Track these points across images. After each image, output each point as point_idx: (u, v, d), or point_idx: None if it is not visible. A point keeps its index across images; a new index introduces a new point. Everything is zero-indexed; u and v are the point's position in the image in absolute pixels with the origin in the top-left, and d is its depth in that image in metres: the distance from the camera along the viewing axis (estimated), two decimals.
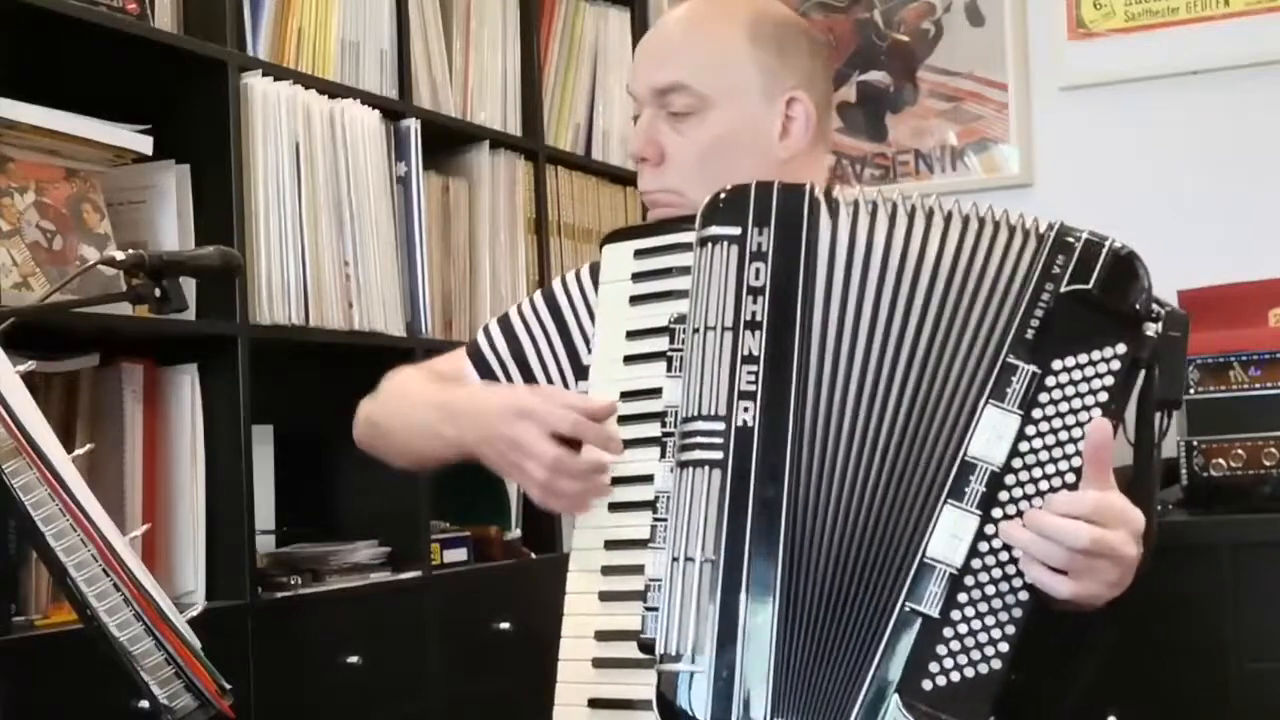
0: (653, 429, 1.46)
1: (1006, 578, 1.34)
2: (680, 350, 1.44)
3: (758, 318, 1.41)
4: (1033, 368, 1.37)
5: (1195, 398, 2.81)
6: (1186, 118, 3.30)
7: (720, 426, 1.39)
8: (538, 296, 1.79)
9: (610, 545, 1.48)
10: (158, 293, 1.68)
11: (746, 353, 1.40)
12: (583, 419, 1.49)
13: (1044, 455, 1.35)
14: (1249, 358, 2.79)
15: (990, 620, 1.33)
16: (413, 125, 2.83)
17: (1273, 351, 2.79)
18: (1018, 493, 1.35)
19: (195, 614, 1.51)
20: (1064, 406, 1.36)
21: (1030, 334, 1.37)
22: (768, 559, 1.36)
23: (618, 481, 1.49)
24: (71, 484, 1.44)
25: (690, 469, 1.39)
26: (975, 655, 1.33)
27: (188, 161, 2.41)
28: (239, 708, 1.49)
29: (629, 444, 1.49)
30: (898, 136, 3.58)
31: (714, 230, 1.44)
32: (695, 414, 1.40)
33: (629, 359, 1.51)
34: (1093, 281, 1.38)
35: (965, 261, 1.42)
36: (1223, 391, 2.80)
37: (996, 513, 1.34)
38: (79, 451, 1.57)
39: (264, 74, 2.51)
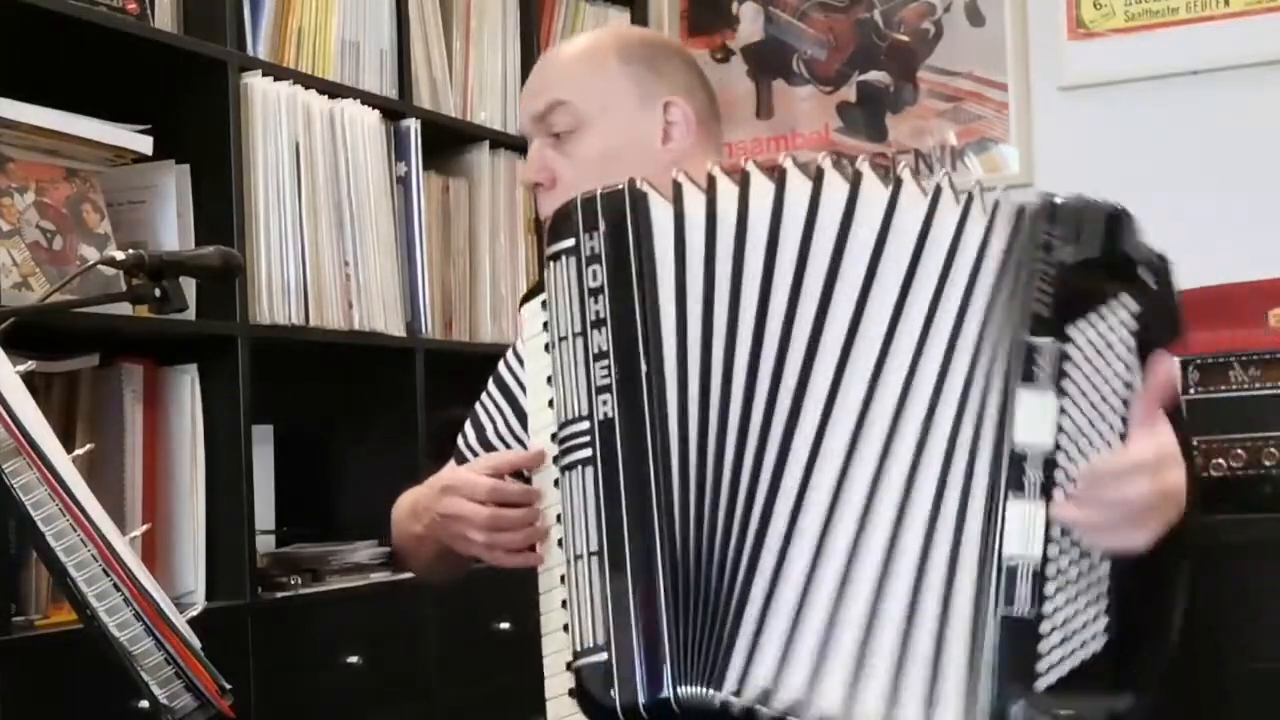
0: None
1: (1085, 554, 1.34)
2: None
3: (601, 315, 1.48)
4: (1055, 342, 1.37)
5: (1195, 398, 2.81)
6: (1186, 118, 3.30)
7: (586, 425, 1.46)
8: (490, 381, 1.86)
9: (564, 579, 1.50)
10: (158, 293, 1.68)
11: (597, 350, 1.47)
12: (497, 484, 1.56)
13: (1086, 426, 1.35)
14: (1249, 358, 2.79)
15: (1082, 602, 1.33)
16: (413, 125, 2.83)
17: (1273, 351, 2.79)
18: (1072, 470, 1.35)
19: (195, 614, 1.50)
20: (1089, 369, 1.36)
21: (1042, 309, 1.37)
22: (645, 539, 1.41)
23: (560, 518, 1.52)
24: (71, 484, 1.43)
25: (569, 472, 1.46)
26: (1077, 641, 1.32)
27: (188, 161, 2.41)
28: (239, 708, 1.49)
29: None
30: (898, 136, 3.58)
31: (554, 247, 1.53)
32: (566, 419, 1.48)
33: (552, 402, 1.54)
34: (1089, 244, 1.39)
35: (913, 230, 1.42)
36: (1223, 391, 2.80)
37: (1058, 495, 1.34)
38: (79, 451, 1.56)
39: (264, 74, 2.51)
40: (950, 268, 1.41)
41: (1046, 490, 1.34)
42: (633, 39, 1.80)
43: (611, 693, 1.38)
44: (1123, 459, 1.33)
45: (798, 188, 1.46)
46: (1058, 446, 1.35)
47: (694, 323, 1.46)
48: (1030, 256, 1.38)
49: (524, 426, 1.69)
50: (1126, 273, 1.38)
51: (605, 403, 1.45)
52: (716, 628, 1.40)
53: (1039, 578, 1.33)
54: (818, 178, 1.45)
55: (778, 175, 1.47)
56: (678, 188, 1.49)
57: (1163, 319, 1.39)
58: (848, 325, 1.42)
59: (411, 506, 1.75)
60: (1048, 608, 1.33)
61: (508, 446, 1.78)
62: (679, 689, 1.38)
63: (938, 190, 1.43)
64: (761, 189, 1.47)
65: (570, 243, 1.51)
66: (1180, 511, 1.36)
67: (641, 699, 1.38)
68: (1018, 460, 1.36)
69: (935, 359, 1.40)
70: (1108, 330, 1.37)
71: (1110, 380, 1.36)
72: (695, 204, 1.48)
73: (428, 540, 1.70)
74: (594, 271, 1.49)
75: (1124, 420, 1.35)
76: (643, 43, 1.79)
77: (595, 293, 1.48)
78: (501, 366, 1.84)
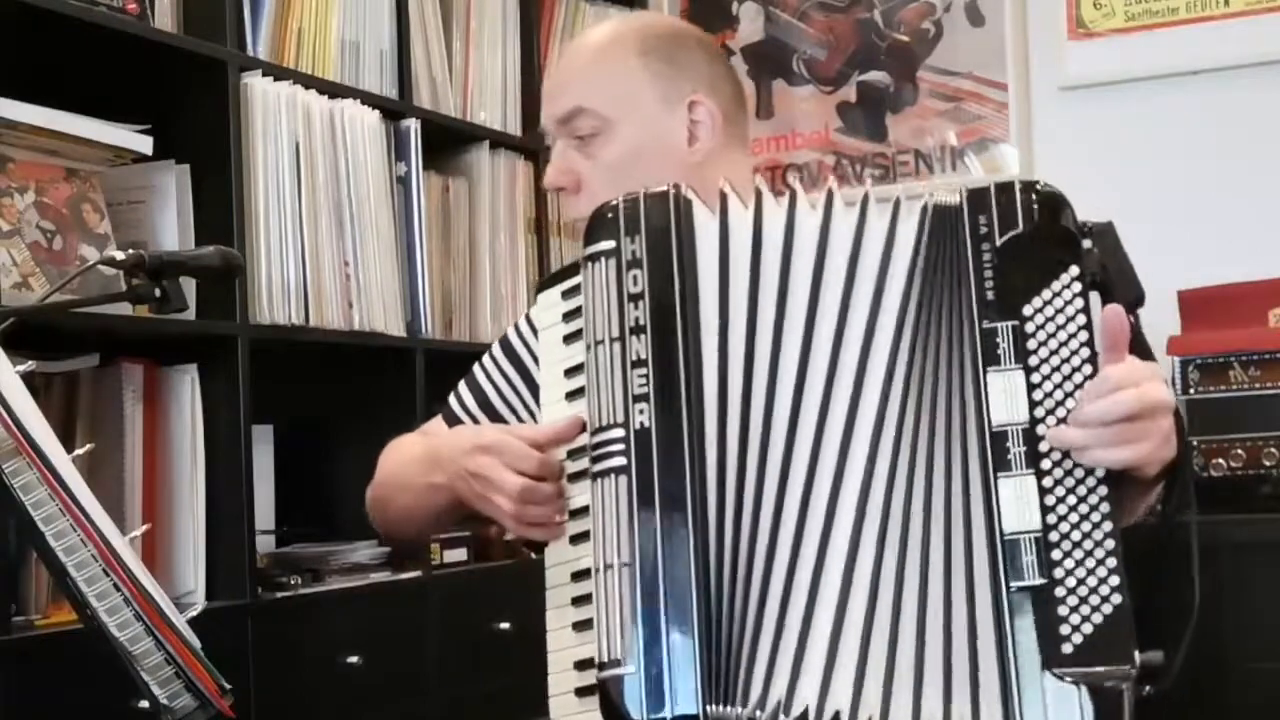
0: None
1: (1085, 517, 1.35)
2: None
3: (641, 322, 1.45)
4: (1010, 322, 1.40)
5: (1195, 398, 2.81)
6: (1186, 118, 3.30)
7: (621, 433, 1.44)
8: (495, 346, 1.83)
9: (576, 576, 1.51)
10: (158, 293, 1.68)
11: (635, 357, 1.45)
12: (546, 459, 1.53)
13: (1058, 394, 1.38)
14: (1249, 358, 2.80)
15: (1091, 562, 1.35)
16: (413, 125, 2.83)
17: (1273, 351, 2.80)
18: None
19: (195, 614, 1.51)
20: (1053, 343, 1.39)
21: (991, 294, 1.41)
22: (678, 553, 1.40)
23: (574, 514, 1.52)
24: (71, 484, 1.44)
25: (601, 479, 1.44)
26: (1095, 600, 1.34)
27: (188, 161, 2.41)
28: (239, 708, 1.49)
29: (580, 476, 1.51)
30: (898, 136, 3.58)
31: (592, 249, 1.49)
32: (600, 425, 1.45)
33: (570, 395, 1.53)
34: (1022, 224, 1.42)
35: (879, 245, 1.45)
36: (1222, 391, 2.80)
37: (1045, 464, 1.37)
38: (79, 451, 1.57)
39: (264, 74, 2.51)
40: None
41: (1033, 461, 1.37)
42: (653, 32, 1.75)
43: (637, 707, 1.37)
44: (1101, 379, 1.36)
45: (842, 215, 1.46)
46: (1035, 419, 1.38)
47: (737, 339, 1.44)
48: (973, 245, 1.42)
49: (536, 399, 1.68)
50: (1070, 244, 1.41)
51: (642, 411, 1.42)
52: (745, 644, 1.40)
53: (1043, 546, 1.35)
54: (863, 204, 1.46)
55: (825, 200, 1.46)
56: (724, 199, 1.48)
57: (1112, 278, 1.43)
58: (889, 351, 1.43)
59: (434, 455, 1.69)
60: (1057, 573, 1.35)
61: (519, 417, 1.77)
62: (706, 706, 1.37)
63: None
64: (807, 214, 1.46)
65: (610, 244, 1.48)
66: (1172, 430, 1.39)
67: (666, 714, 1.37)
68: (999, 440, 1.38)
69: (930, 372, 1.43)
70: (1059, 300, 1.40)
71: (1072, 344, 1.38)
72: (740, 219, 1.47)
73: (443, 491, 1.66)
74: (634, 276, 1.46)
75: (1094, 375, 1.37)
76: (663, 35, 1.75)
77: (635, 298, 1.45)
78: (512, 334, 1.81)
